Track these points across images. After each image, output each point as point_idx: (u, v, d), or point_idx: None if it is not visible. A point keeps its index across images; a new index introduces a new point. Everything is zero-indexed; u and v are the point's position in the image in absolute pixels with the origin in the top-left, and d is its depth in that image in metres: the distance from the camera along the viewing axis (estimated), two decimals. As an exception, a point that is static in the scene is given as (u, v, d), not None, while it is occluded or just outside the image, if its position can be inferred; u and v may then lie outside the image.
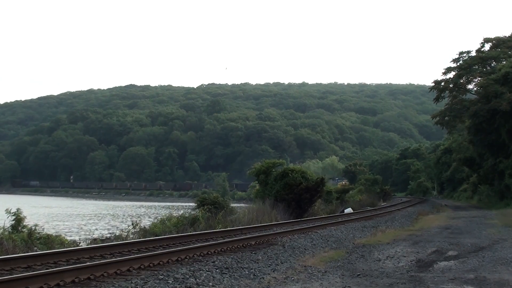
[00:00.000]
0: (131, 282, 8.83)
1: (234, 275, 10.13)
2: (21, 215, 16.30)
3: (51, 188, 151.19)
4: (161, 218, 21.76)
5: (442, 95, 49.93)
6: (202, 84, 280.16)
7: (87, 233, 26.74)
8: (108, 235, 19.54)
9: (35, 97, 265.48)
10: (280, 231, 17.80)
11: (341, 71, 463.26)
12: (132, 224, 19.57)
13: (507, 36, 48.24)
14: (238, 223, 21.61)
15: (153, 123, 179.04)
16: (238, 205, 38.72)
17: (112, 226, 37.16)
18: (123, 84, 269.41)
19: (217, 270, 10.37)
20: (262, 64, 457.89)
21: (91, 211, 65.70)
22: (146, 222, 24.08)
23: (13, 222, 16.08)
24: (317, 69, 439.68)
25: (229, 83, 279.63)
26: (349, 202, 41.54)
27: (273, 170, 29.85)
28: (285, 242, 15.17)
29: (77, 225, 39.46)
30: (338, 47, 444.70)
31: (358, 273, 10.79)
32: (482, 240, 17.17)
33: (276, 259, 12.29)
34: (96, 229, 33.04)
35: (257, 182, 31.99)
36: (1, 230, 14.96)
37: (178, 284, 8.99)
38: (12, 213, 16.21)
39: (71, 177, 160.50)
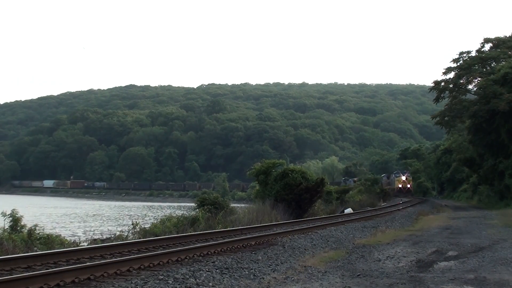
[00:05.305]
0: (131, 282, 8.84)
1: (234, 275, 10.14)
2: (17, 215, 16.33)
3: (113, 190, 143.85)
4: (161, 218, 21.78)
5: (442, 95, 49.82)
6: (202, 84, 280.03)
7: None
8: (108, 235, 19.53)
9: (35, 97, 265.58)
10: (280, 231, 17.81)
11: (341, 71, 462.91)
12: (132, 224, 19.59)
13: (507, 36, 48.20)
14: (238, 223, 21.62)
15: (153, 123, 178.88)
16: (238, 205, 38.65)
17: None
18: (123, 84, 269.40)
19: (217, 270, 10.38)
20: (262, 64, 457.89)
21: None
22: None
23: (11, 222, 16.11)
24: (317, 69, 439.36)
25: (229, 83, 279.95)
26: (349, 202, 41.55)
27: (273, 170, 29.85)
28: (285, 242, 15.18)
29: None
30: (338, 47, 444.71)
31: (358, 273, 10.79)
32: (482, 240, 17.17)
33: (276, 259, 12.30)
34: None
35: (257, 182, 31.99)
36: (1, 231, 15.00)
37: (178, 284, 8.99)
38: (8, 214, 16.26)
39: (71, 177, 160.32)
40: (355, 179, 76.58)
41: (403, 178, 62.79)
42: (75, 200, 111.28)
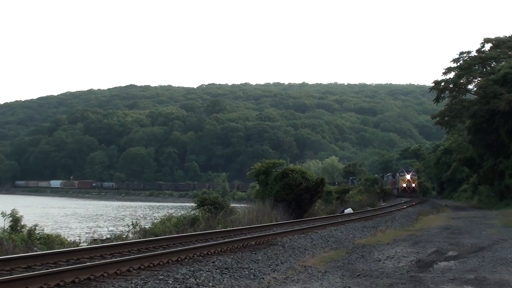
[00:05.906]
0: (131, 282, 8.84)
1: (234, 275, 10.14)
2: (17, 215, 16.34)
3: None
4: (161, 219, 21.78)
5: (442, 95, 49.86)
6: (202, 84, 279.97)
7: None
8: (108, 235, 19.53)
9: (35, 97, 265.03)
10: (280, 231, 17.81)
11: (341, 71, 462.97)
12: (132, 224, 19.59)
13: (507, 36, 48.21)
14: (238, 223, 21.61)
15: (153, 123, 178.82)
16: (238, 205, 38.65)
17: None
18: (123, 84, 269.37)
19: (217, 270, 10.38)
20: (262, 64, 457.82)
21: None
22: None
23: (11, 222, 16.12)
24: (317, 69, 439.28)
25: (229, 83, 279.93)
26: (349, 202, 41.53)
27: (273, 170, 29.84)
28: (285, 242, 15.17)
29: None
30: (338, 47, 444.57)
31: (358, 273, 10.80)
32: (482, 240, 17.17)
33: (276, 259, 12.30)
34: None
35: (257, 182, 31.98)
36: (1, 231, 15.00)
37: (178, 284, 8.99)
38: (8, 214, 16.27)
39: (71, 177, 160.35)
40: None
41: (408, 177, 59.01)
42: (76, 200, 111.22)
